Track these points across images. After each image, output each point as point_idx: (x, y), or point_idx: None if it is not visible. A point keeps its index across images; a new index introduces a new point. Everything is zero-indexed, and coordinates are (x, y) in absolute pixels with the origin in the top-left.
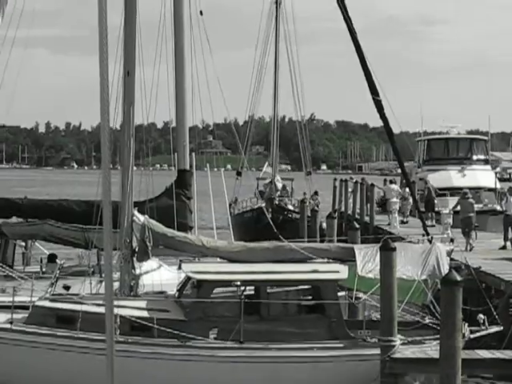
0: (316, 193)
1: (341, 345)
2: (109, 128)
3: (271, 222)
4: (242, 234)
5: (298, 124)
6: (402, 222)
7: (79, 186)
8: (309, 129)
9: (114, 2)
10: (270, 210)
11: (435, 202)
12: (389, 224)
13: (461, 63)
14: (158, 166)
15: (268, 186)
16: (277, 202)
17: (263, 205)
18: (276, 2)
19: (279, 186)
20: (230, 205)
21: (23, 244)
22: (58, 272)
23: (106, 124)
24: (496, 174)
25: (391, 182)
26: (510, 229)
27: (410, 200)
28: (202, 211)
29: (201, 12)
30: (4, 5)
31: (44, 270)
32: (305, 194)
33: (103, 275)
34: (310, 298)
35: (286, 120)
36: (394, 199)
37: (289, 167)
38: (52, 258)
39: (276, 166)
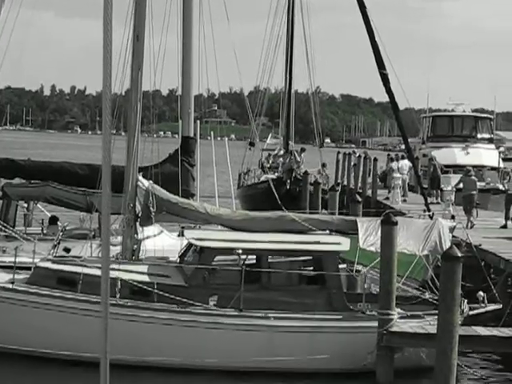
0: (324, 165)
1: (339, 316)
2: (110, 92)
3: (276, 194)
4: (258, 204)
5: (311, 97)
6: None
7: (82, 150)
8: (313, 101)
9: None
10: (289, 181)
11: (441, 179)
12: (387, 198)
13: (467, 40)
14: (162, 133)
15: (274, 157)
16: (299, 174)
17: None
18: None
19: (298, 157)
20: (239, 175)
21: (25, 205)
22: (60, 234)
23: (107, 88)
24: (500, 153)
25: (402, 157)
26: (511, 208)
27: (406, 176)
28: (218, 180)
29: None
30: None
31: (45, 231)
32: (324, 165)
33: None
34: (310, 268)
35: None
36: (397, 174)
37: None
38: (53, 220)
39: (290, 137)
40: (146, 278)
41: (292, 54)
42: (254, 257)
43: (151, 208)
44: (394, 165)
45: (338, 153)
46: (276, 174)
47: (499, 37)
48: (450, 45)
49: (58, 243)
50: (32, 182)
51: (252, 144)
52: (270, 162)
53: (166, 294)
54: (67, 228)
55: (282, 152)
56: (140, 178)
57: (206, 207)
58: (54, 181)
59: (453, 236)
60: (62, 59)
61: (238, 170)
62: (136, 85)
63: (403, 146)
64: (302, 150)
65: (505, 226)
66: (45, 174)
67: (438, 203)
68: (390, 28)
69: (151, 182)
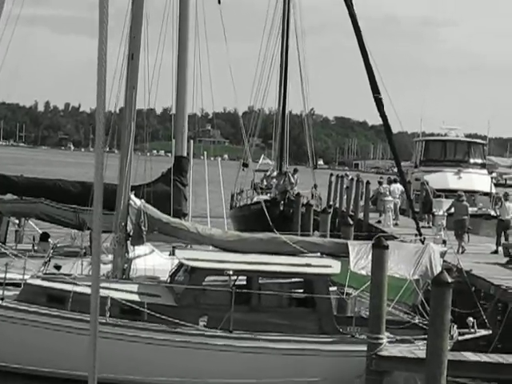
0: (315, 186)
1: (329, 339)
2: (104, 112)
3: (268, 216)
4: (251, 225)
5: (305, 118)
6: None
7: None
8: (307, 123)
9: None
10: (282, 202)
11: (433, 203)
12: (379, 221)
13: (463, 65)
14: (155, 151)
15: (267, 178)
16: (293, 195)
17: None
18: None
19: (292, 179)
20: (232, 196)
21: (17, 221)
22: (51, 251)
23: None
24: (492, 178)
25: (395, 180)
26: (502, 234)
27: (398, 200)
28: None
29: (219, 1)
30: None
31: (36, 248)
32: (315, 186)
33: None
34: (301, 291)
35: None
36: (389, 198)
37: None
38: (44, 237)
39: (284, 159)
40: (136, 298)
41: (286, 76)
42: (245, 278)
43: (143, 227)
44: (381, 188)
45: (331, 175)
46: (268, 194)
47: (494, 63)
48: (444, 69)
49: (49, 260)
50: (24, 198)
51: (245, 165)
52: (264, 182)
53: (157, 314)
54: (58, 245)
55: (275, 173)
56: (132, 196)
57: (198, 227)
58: (47, 198)
59: (444, 261)
60: (57, 76)
61: (231, 190)
62: (130, 103)
63: (396, 170)
64: (295, 170)
65: (496, 252)
66: (37, 190)
67: (429, 227)
68: (385, 51)
69: (143, 200)
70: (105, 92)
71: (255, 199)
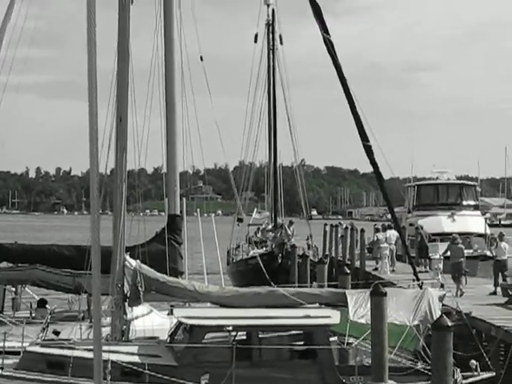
0: (311, 236)
1: None
2: (98, 175)
3: (263, 268)
4: (249, 280)
5: (296, 170)
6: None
7: (69, 231)
8: (299, 174)
9: (108, 48)
10: (280, 255)
11: (428, 248)
12: (376, 269)
13: (448, 108)
14: (149, 211)
15: (262, 231)
16: (291, 246)
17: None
18: (272, 48)
19: (289, 230)
20: (228, 252)
21: (13, 289)
22: (48, 317)
23: (94, 171)
24: (486, 219)
25: (390, 227)
26: (500, 274)
27: (394, 246)
28: (207, 257)
29: (201, 58)
30: None
31: (34, 315)
32: (310, 236)
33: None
34: (301, 343)
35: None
36: (385, 244)
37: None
38: (42, 303)
39: (278, 211)
40: (136, 359)
41: (276, 129)
42: (245, 333)
43: (139, 288)
44: (380, 235)
45: (325, 224)
46: (264, 248)
47: (478, 105)
48: (429, 113)
49: (47, 326)
50: (19, 265)
51: (240, 220)
52: (259, 236)
53: (158, 375)
54: (56, 310)
55: (270, 226)
56: (127, 257)
57: (195, 285)
58: (42, 264)
59: (443, 305)
60: (47, 141)
61: (227, 245)
62: (120, 165)
63: (390, 216)
64: (291, 222)
65: (494, 293)
66: (32, 257)
67: (426, 272)
68: (370, 98)
69: (139, 261)
70: (97, 155)
71: (251, 253)
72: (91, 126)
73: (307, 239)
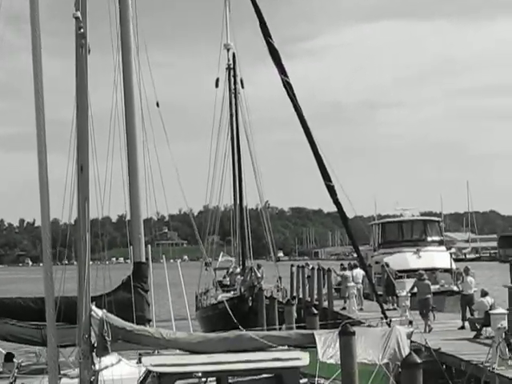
0: (280, 278)
1: None
2: (50, 226)
3: (230, 312)
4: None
5: (261, 212)
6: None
7: (34, 282)
8: (265, 216)
9: (66, 97)
10: (251, 298)
11: (395, 285)
12: (344, 308)
13: (409, 146)
14: (115, 259)
15: (230, 275)
16: (258, 290)
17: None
18: (234, 92)
19: (258, 273)
20: (196, 297)
21: None
22: (15, 371)
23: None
24: (451, 254)
25: (355, 265)
26: (467, 308)
27: (361, 285)
28: (175, 303)
29: (157, 104)
30: None
31: (1, 369)
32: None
33: (61, 372)
34: None
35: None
36: (352, 283)
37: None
38: (9, 358)
39: (246, 254)
40: None
41: (240, 172)
42: (214, 378)
43: (107, 337)
44: (347, 273)
45: (292, 266)
46: (233, 292)
47: (436, 140)
48: (390, 149)
49: (14, 380)
50: None
51: (208, 264)
52: (227, 279)
53: None
54: (23, 364)
55: (238, 269)
56: (93, 307)
57: (162, 332)
58: (7, 317)
59: (411, 341)
60: (9, 193)
61: (195, 291)
62: (83, 215)
63: (355, 255)
64: (259, 266)
65: (462, 327)
66: None
67: (394, 309)
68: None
69: (105, 310)
70: (48, 209)
71: (219, 298)
72: (41, 177)
73: (277, 281)
